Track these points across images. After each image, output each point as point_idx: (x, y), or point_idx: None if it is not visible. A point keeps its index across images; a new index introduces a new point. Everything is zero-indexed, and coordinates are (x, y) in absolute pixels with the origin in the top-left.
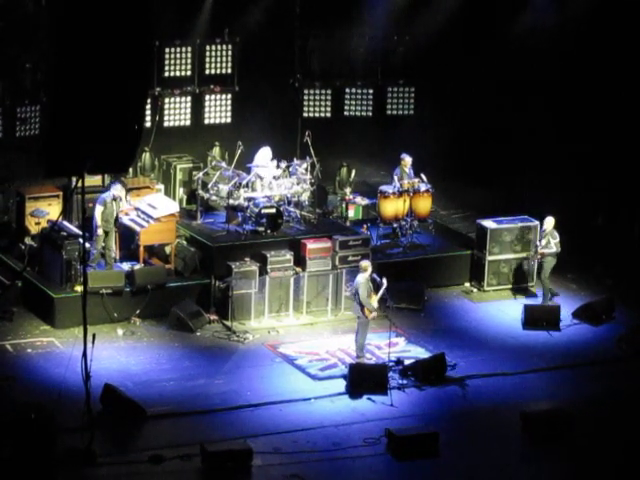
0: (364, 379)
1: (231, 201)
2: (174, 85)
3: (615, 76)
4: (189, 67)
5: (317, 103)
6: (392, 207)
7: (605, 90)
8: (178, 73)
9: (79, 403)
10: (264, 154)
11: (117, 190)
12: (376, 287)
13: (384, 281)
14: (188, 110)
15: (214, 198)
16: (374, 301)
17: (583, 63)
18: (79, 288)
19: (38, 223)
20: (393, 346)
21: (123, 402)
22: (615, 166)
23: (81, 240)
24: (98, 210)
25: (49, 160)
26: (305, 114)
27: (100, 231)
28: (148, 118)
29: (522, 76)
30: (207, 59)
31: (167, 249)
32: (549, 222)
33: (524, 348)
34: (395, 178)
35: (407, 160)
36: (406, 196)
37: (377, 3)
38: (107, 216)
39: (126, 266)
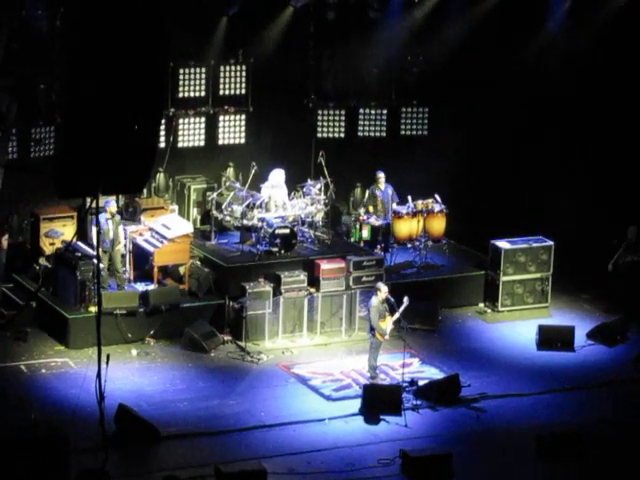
0: (378, 400)
1: (245, 221)
2: (188, 106)
3: (633, 93)
4: (203, 88)
5: (331, 123)
6: (406, 227)
7: (622, 109)
8: (192, 94)
9: (93, 424)
10: (277, 175)
11: (112, 207)
12: (391, 308)
13: (405, 299)
14: (202, 131)
15: (228, 219)
16: (389, 322)
17: (601, 81)
18: (93, 309)
19: (52, 244)
20: (407, 367)
21: (137, 423)
22: (630, 185)
23: (95, 261)
24: (94, 231)
25: (63, 181)
26: (319, 134)
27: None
28: (162, 139)
29: (537, 95)
30: (221, 80)
31: (181, 269)
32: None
33: (538, 369)
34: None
35: (381, 177)
36: (420, 216)
37: (391, 23)
38: (102, 236)
39: (140, 286)
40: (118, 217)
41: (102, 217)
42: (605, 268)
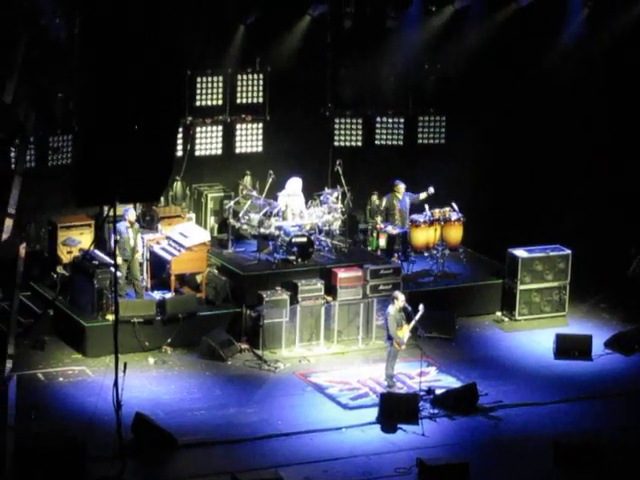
0: (395, 408)
1: (262, 230)
2: (205, 114)
3: None
4: (220, 96)
5: (348, 132)
6: (423, 236)
7: None
8: (209, 102)
9: (110, 432)
10: (294, 184)
11: (132, 216)
12: (408, 317)
13: (421, 307)
14: (219, 139)
15: (245, 227)
16: (406, 331)
17: (619, 89)
18: (110, 317)
19: (70, 252)
20: (424, 375)
21: (154, 431)
22: None
23: (112, 269)
24: (113, 240)
25: (81, 189)
26: (336, 143)
27: (119, 260)
28: (180, 147)
29: (554, 103)
30: (238, 88)
31: (198, 278)
32: None
33: (556, 378)
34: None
35: (400, 187)
36: (437, 225)
37: (408, 32)
38: (123, 244)
39: (157, 295)
40: (137, 225)
41: (122, 225)
42: (622, 277)
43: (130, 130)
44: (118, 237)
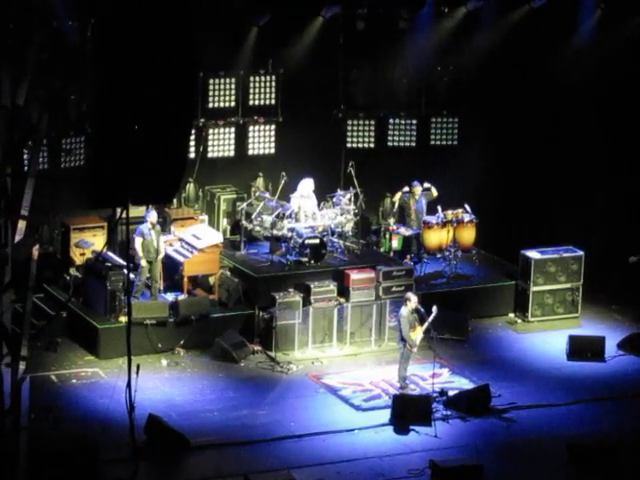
0: (408, 410)
1: (275, 232)
2: (218, 116)
3: None
4: (233, 98)
5: (361, 133)
6: (436, 237)
7: None
8: (222, 104)
9: (123, 434)
10: (307, 185)
11: (153, 217)
12: (421, 318)
13: (434, 309)
14: (232, 141)
15: (258, 229)
16: (419, 332)
17: (632, 90)
18: (123, 319)
19: (83, 254)
20: (437, 377)
21: (167, 433)
22: None
23: (125, 271)
24: (137, 242)
25: (93, 191)
26: (349, 145)
27: (143, 262)
28: (192, 149)
29: (567, 104)
30: (251, 90)
31: (211, 280)
32: None
33: (569, 379)
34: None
35: (417, 188)
36: (450, 226)
37: (421, 34)
38: (147, 246)
39: (170, 297)
40: (159, 227)
41: (145, 228)
42: (636, 279)
43: (143, 132)
44: (142, 239)
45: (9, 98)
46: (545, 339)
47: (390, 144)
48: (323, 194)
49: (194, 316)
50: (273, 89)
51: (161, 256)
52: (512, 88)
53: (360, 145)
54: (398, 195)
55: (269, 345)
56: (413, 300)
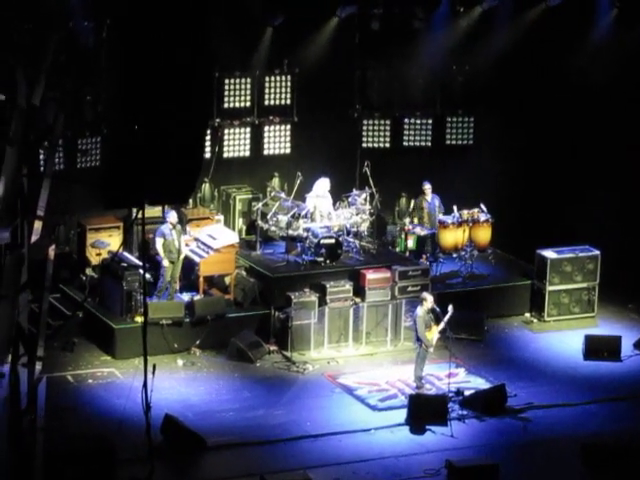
0: (424, 410)
1: (290, 231)
2: (234, 116)
3: None
4: (248, 98)
5: (376, 133)
6: (452, 237)
7: None
8: (237, 104)
9: (139, 434)
10: (322, 185)
11: (173, 218)
12: (437, 318)
13: (450, 308)
14: (247, 141)
15: (273, 229)
16: (435, 332)
17: None
18: (139, 319)
19: (99, 254)
20: (453, 377)
21: (183, 433)
22: None
23: (141, 271)
24: (159, 242)
25: (109, 191)
26: (364, 144)
27: (165, 262)
28: (208, 149)
29: (584, 104)
30: (266, 90)
31: (227, 280)
32: None
33: (585, 379)
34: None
35: (427, 187)
36: (465, 226)
37: (436, 33)
38: (169, 246)
39: (186, 297)
40: (179, 227)
41: (165, 228)
42: None
43: (159, 133)
44: (162, 239)
45: (25, 99)
46: (561, 339)
47: (406, 144)
48: (339, 194)
49: (210, 316)
50: (289, 89)
51: (183, 256)
52: (528, 87)
53: (375, 145)
54: (412, 202)
55: (285, 345)
56: (429, 300)
